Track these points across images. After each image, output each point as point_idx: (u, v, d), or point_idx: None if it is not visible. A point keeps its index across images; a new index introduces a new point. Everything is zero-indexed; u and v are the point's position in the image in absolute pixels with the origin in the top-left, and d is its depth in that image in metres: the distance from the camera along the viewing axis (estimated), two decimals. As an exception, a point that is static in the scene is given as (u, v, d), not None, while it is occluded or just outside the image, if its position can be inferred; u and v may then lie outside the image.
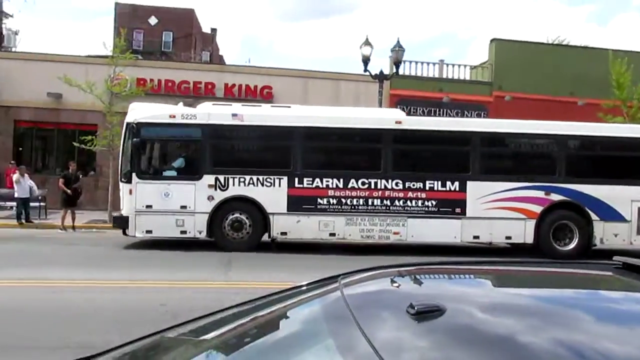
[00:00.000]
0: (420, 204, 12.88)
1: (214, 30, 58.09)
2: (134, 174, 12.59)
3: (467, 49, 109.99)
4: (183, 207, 12.55)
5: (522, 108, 20.56)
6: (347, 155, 13.94)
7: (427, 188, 12.90)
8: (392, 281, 1.79)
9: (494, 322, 1.43)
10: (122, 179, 12.94)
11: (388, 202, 12.84)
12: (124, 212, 12.84)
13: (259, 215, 12.76)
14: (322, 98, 22.78)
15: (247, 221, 12.75)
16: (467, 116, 23.27)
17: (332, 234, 12.93)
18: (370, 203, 12.81)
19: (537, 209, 13.03)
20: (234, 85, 23.06)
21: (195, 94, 22.76)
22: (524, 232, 13.04)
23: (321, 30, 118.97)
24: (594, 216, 13.13)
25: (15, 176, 17.65)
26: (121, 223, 12.91)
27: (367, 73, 19.24)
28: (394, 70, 20.19)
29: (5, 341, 5.62)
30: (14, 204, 17.60)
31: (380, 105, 19.13)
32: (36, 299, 7.60)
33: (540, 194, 13.08)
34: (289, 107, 14.39)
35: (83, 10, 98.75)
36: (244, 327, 1.79)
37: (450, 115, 22.96)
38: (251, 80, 23.31)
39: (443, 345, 1.33)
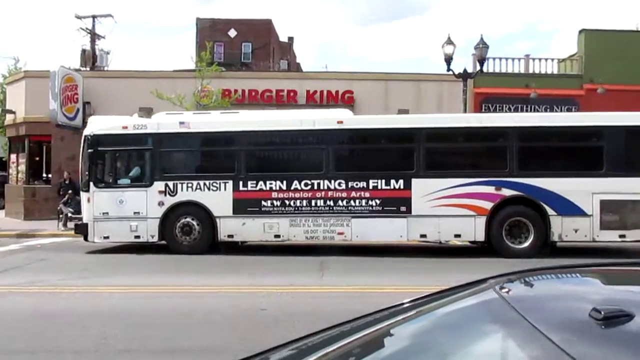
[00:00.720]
0: (364, 204, 12.66)
1: (290, 38, 59.08)
2: (91, 183, 13.21)
3: (550, 42, 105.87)
4: (136, 213, 13.05)
5: (615, 100, 19.48)
6: (290, 157, 13.98)
7: (370, 187, 12.65)
8: (555, 283, 1.69)
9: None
10: (82, 188, 13.60)
11: (331, 203, 12.72)
12: (84, 220, 13.46)
13: (207, 218, 13.03)
14: (403, 100, 22.59)
15: (196, 225, 13.07)
16: (556, 111, 22.33)
17: (277, 236, 12.96)
18: (313, 204, 12.76)
19: (487, 205, 12.40)
20: (315, 91, 23.25)
21: (278, 102, 23.17)
22: (474, 230, 12.45)
23: (396, 32, 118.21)
24: (550, 211, 12.30)
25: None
26: (82, 230, 13.50)
27: (450, 72, 18.84)
28: (478, 68, 19.65)
29: (115, 345, 5.89)
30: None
31: (465, 105, 18.71)
32: (143, 304, 7.92)
33: (490, 189, 12.44)
34: (237, 112, 14.78)
35: (166, 28, 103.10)
36: (400, 332, 1.74)
37: (538, 111, 22.10)
38: (332, 86, 23.43)
39: (638, 352, 1.23)
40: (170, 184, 13.05)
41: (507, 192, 12.39)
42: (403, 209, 12.53)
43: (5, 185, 25.78)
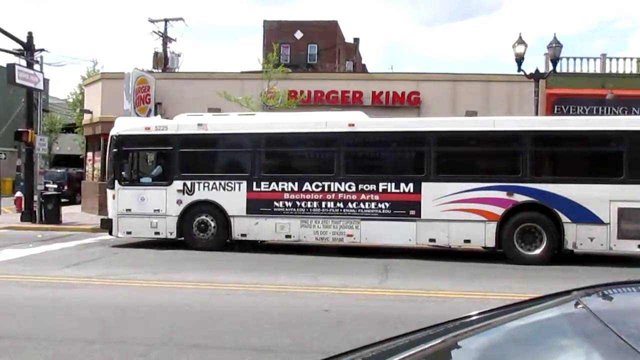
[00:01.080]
0: (373, 206, 12.64)
1: (356, 40, 58.96)
2: (116, 181, 13.90)
3: (628, 40, 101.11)
4: (156, 210, 13.63)
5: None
6: (303, 159, 14.20)
7: (380, 190, 12.63)
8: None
9: None
10: (108, 186, 14.30)
11: (341, 205, 12.80)
12: (109, 215, 14.17)
13: (222, 217, 13.39)
14: (472, 101, 22.10)
15: (211, 223, 13.46)
16: (634, 113, 21.29)
17: (288, 236, 13.18)
18: (324, 206, 12.89)
19: (499, 210, 12.08)
20: (381, 92, 23.09)
21: (343, 103, 23.13)
22: (485, 235, 12.16)
23: (465, 32, 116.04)
24: (564, 218, 11.82)
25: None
26: (107, 225, 14.23)
27: (521, 73, 18.28)
28: (551, 68, 18.97)
29: (184, 340, 6.03)
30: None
31: (537, 107, 18.09)
32: (208, 300, 8.08)
33: (501, 194, 12.10)
34: (254, 114, 15.24)
35: (234, 29, 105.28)
36: (478, 344, 1.67)
37: (615, 113, 21.12)
38: (398, 87, 23.19)
39: None
40: (188, 183, 13.54)
41: (519, 198, 12.06)
42: (412, 212, 12.47)
43: (82, 181, 27.01)
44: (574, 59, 23.33)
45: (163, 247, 13.50)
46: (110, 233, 14.12)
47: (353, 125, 13.02)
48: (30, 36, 20.41)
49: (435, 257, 12.30)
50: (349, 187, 12.76)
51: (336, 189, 12.82)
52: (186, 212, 13.52)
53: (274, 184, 13.14)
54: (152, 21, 33.25)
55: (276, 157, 13.96)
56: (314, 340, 6.13)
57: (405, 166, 13.32)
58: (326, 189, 12.88)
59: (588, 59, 23.67)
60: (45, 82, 25.88)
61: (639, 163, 11.86)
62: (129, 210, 13.77)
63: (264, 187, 13.18)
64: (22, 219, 19.65)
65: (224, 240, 13.49)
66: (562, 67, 22.22)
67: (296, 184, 13.01)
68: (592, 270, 11.19)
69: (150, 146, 14.35)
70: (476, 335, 1.72)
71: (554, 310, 1.65)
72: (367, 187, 12.68)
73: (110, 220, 14.03)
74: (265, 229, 13.22)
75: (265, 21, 49.45)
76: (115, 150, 13.96)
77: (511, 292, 8.98)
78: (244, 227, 13.32)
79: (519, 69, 18.10)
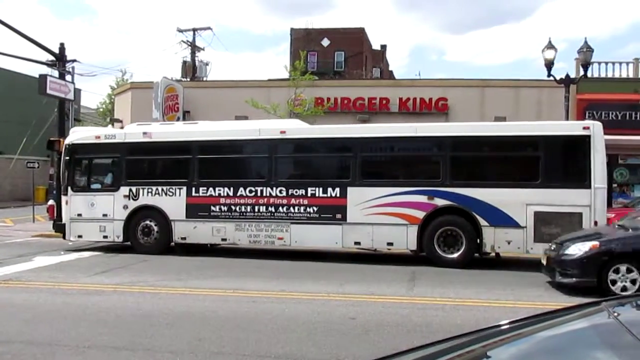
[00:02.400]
0: (302, 210, 12.98)
1: (383, 46, 58.92)
2: (69, 187, 14.55)
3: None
4: (104, 215, 14.24)
5: None
6: (238, 165, 14.53)
7: (309, 195, 12.95)
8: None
9: None
10: (62, 192, 14.92)
11: (272, 209, 13.16)
12: (63, 220, 14.82)
13: (164, 222, 13.84)
14: (501, 107, 21.87)
15: (154, 227, 13.96)
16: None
17: (224, 239, 13.60)
18: (256, 210, 13.25)
19: (420, 214, 12.32)
20: (408, 99, 23.00)
21: (370, 110, 23.13)
22: (406, 238, 12.42)
23: (495, 37, 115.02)
24: (482, 222, 12.03)
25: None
26: (59, 229, 14.93)
27: (551, 78, 17.99)
28: (582, 73, 18.62)
29: (210, 347, 6.03)
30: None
31: (567, 112, 17.78)
32: (234, 308, 8.09)
33: (422, 198, 12.34)
34: (197, 123, 15.91)
35: (261, 37, 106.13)
36: (502, 355, 1.62)
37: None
38: (425, 93, 23.08)
39: None
40: (134, 189, 14.11)
41: (439, 202, 12.27)
42: (339, 216, 12.75)
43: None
44: (606, 63, 22.93)
45: (190, 254, 13.60)
46: (64, 237, 14.72)
47: (284, 132, 13.48)
48: (62, 47, 20.87)
49: (468, 265, 12.11)
50: (280, 192, 13.15)
51: (268, 194, 13.24)
52: (132, 217, 14.07)
53: (210, 189, 13.58)
54: (180, 31, 33.74)
55: (213, 163, 14.24)
56: (340, 349, 6.08)
57: (332, 172, 13.77)
58: (259, 194, 13.29)
59: (620, 63, 23.27)
60: (77, 92, 26.41)
61: (555, 168, 12.17)
62: (80, 215, 14.40)
63: (202, 192, 13.65)
64: (54, 227, 19.96)
65: (166, 244, 14.01)
66: (594, 71, 21.83)
67: (231, 189, 13.43)
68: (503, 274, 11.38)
69: (100, 154, 15.02)
70: (506, 345, 1.67)
71: (584, 321, 1.60)
72: (296, 192, 13.06)
73: (63, 225, 14.70)
74: (202, 232, 13.68)
75: (292, 29, 49.86)
76: (67, 158, 14.68)
77: (541, 300, 8.80)
78: (184, 230, 13.80)
79: (549, 74, 17.84)
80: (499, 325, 1.83)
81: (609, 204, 19.71)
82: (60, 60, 20.75)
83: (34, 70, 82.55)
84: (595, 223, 11.45)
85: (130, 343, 6.23)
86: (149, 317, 7.45)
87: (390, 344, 6.19)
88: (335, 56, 48.72)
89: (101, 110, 46.16)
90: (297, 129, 14.03)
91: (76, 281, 10.06)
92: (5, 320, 7.32)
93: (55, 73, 20.66)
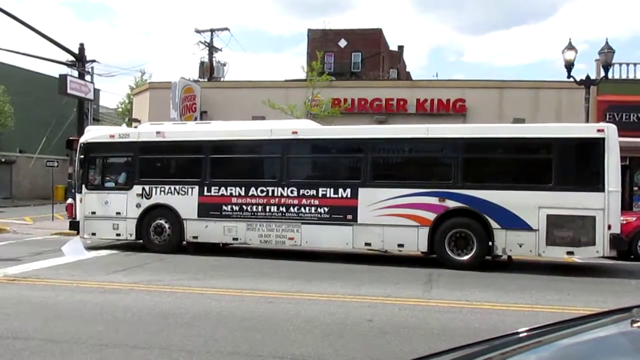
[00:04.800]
0: (313, 211, 12.96)
1: (400, 47, 58.68)
2: (83, 185, 14.78)
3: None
4: (118, 213, 14.38)
5: None
6: (249, 165, 14.59)
7: (320, 195, 12.93)
8: None
9: None
10: (77, 190, 15.16)
11: (284, 209, 13.15)
12: (77, 218, 15.03)
13: (176, 220, 13.93)
14: (519, 108, 21.66)
15: (167, 226, 14.06)
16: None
17: (235, 239, 13.64)
18: (267, 210, 13.26)
19: (431, 216, 12.22)
20: (425, 100, 22.87)
21: (387, 111, 23.04)
22: (417, 240, 12.34)
23: (515, 39, 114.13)
24: (494, 224, 11.88)
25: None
26: (74, 226, 15.12)
27: (571, 79, 17.76)
28: (603, 74, 18.36)
29: (226, 347, 6.02)
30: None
31: (587, 114, 17.55)
32: (250, 307, 8.08)
33: (434, 200, 12.24)
34: (209, 123, 15.93)
35: (279, 37, 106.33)
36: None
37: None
38: (443, 95, 22.93)
39: None
40: (147, 187, 14.22)
41: (450, 204, 12.17)
42: (349, 217, 12.71)
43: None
44: (627, 64, 22.59)
45: (202, 253, 13.65)
46: (78, 234, 14.88)
47: (296, 132, 13.45)
48: (81, 48, 21.07)
49: (480, 268, 12.01)
50: (291, 192, 13.13)
51: (279, 194, 13.20)
52: (144, 215, 14.19)
53: (222, 188, 13.62)
54: (198, 31, 33.91)
55: (225, 163, 14.33)
56: (357, 351, 6.04)
57: (343, 172, 13.76)
58: (270, 194, 13.26)
59: (642, 64, 22.88)
60: (96, 92, 26.63)
61: (568, 171, 12.02)
62: (94, 212, 14.59)
63: (214, 192, 13.69)
64: (70, 225, 20.15)
65: (178, 242, 14.03)
66: (614, 73, 21.53)
67: (243, 188, 13.45)
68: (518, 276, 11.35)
69: (114, 153, 15.15)
70: (526, 353, 1.62)
71: (611, 327, 1.54)
72: (307, 192, 13.03)
73: (77, 222, 14.90)
74: (214, 231, 13.72)
75: (309, 30, 49.89)
76: (82, 156, 14.83)
77: (560, 304, 8.68)
78: (196, 229, 13.87)
79: (569, 76, 17.61)
80: (518, 332, 1.78)
81: (630, 207, 19.48)
82: (79, 60, 20.97)
83: (54, 71, 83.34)
84: (609, 227, 11.29)
85: (147, 342, 6.24)
86: (165, 316, 7.47)
87: (407, 347, 6.14)
88: (352, 57, 48.64)
89: (120, 110, 46.52)
90: (308, 129, 14.04)
91: (94, 279, 10.12)
92: (24, 317, 7.38)
93: (75, 73, 20.85)
